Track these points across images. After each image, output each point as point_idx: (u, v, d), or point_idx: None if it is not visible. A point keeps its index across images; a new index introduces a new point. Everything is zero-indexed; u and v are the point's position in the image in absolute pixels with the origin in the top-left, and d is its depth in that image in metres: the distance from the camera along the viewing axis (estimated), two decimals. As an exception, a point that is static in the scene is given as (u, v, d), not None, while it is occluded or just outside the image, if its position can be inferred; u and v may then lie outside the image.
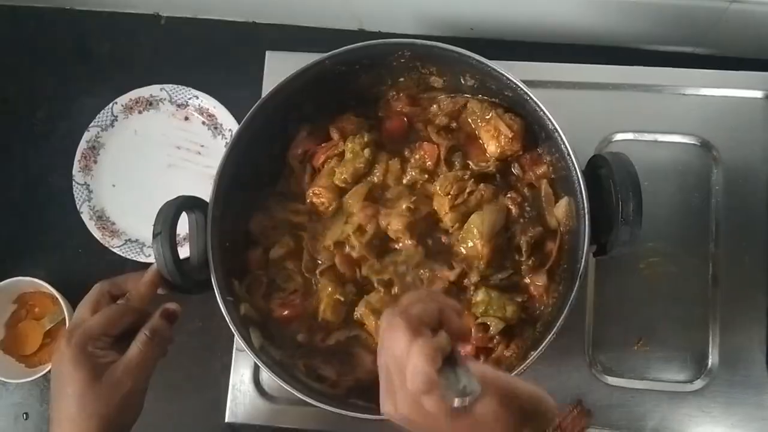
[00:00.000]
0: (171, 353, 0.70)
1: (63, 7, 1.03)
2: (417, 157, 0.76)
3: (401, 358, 0.47)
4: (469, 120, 0.76)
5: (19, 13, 1.03)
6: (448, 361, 0.47)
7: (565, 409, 0.46)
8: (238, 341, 0.67)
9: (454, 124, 0.77)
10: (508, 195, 0.73)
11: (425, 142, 0.76)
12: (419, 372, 0.46)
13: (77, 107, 0.98)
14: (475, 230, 0.70)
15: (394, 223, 0.72)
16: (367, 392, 0.69)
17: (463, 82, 0.74)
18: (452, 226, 0.73)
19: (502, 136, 0.72)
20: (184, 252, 0.69)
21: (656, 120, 0.85)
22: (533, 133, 0.73)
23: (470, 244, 0.70)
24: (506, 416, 0.47)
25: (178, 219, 0.67)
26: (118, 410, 0.61)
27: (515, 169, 0.75)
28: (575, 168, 0.65)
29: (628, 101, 0.86)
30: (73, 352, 0.61)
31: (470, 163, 0.75)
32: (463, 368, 0.47)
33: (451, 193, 0.72)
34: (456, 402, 0.45)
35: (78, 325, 0.63)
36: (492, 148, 0.74)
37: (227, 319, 0.67)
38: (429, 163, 0.76)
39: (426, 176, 0.75)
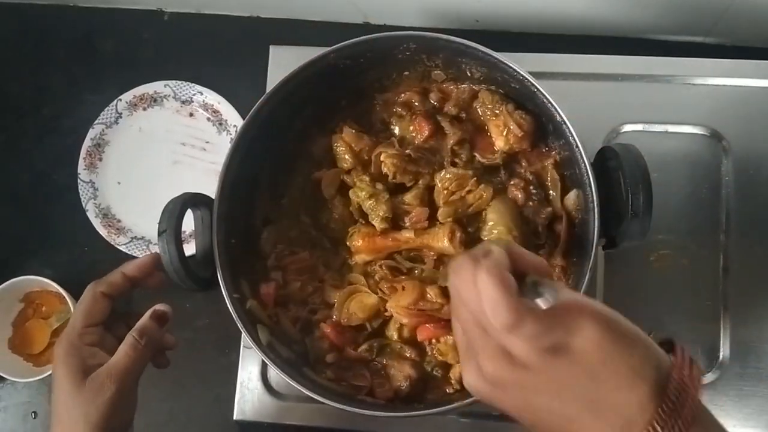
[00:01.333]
0: (178, 350, 0.70)
1: (66, 4, 1.03)
2: (411, 128, 0.75)
3: (472, 301, 0.40)
4: (479, 111, 0.75)
5: (22, 10, 1.03)
6: (531, 288, 0.41)
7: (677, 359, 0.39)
8: (245, 338, 0.67)
9: (463, 115, 0.76)
10: (512, 182, 0.72)
11: (420, 117, 0.75)
12: (491, 299, 0.38)
13: (82, 104, 0.98)
14: (498, 223, 0.70)
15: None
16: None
17: (469, 74, 0.73)
18: (444, 221, 0.72)
19: (512, 134, 0.71)
20: (190, 249, 0.69)
21: (665, 110, 0.84)
22: (543, 129, 0.72)
23: (499, 237, 0.70)
24: (612, 348, 0.38)
25: (183, 216, 0.67)
26: (105, 415, 0.59)
27: (522, 163, 0.74)
28: (584, 160, 0.64)
29: (636, 92, 0.85)
30: (61, 354, 0.61)
31: (476, 155, 0.74)
32: (546, 286, 0.40)
33: (449, 188, 0.71)
34: (541, 302, 0.39)
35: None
36: (500, 143, 0.73)
37: (234, 316, 0.66)
38: (419, 137, 0.75)
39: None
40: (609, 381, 0.38)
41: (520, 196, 0.71)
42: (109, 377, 0.60)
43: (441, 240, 0.70)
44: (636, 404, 0.38)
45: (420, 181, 0.73)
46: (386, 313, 0.72)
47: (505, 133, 0.72)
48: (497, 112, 0.73)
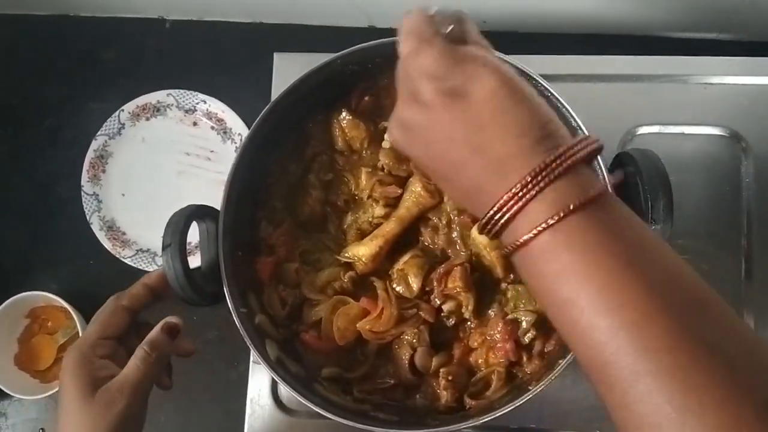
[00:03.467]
0: (187, 364, 0.68)
1: (67, 13, 1.01)
2: None
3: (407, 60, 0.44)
4: None
5: (23, 21, 1.02)
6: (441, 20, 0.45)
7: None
8: (254, 354, 0.65)
9: None
10: None
11: None
12: (408, 30, 0.44)
13: (84, 115, 0.97)
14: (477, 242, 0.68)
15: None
16: (387, 405, 0.67)
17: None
18: (450, 212, 0.70)
19: None
20: (195, 261, 0.67)
21: (682, 111, 0.83)
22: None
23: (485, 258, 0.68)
24: (504, 101, 0.41)
25: (188, 230, 0.65)
26: (114, 430, 0.58)
27: None
28: (600, 167, 0.62)
29: (651, 93, 0.83)
30: (71, 365, 0.59)
31: None
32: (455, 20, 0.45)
33: None
34: (445, 28, 0.44)
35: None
36: None
37: (241, 331, 0.65)
38: None
39: None
40: (496, 130, 0.41)
41: None
42: (120, 391, 0.58)
43: None
44: (515, 155, 0.40)
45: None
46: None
47: None
48: None
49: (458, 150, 0.42)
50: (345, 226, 0.74)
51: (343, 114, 0.73)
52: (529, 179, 0.39)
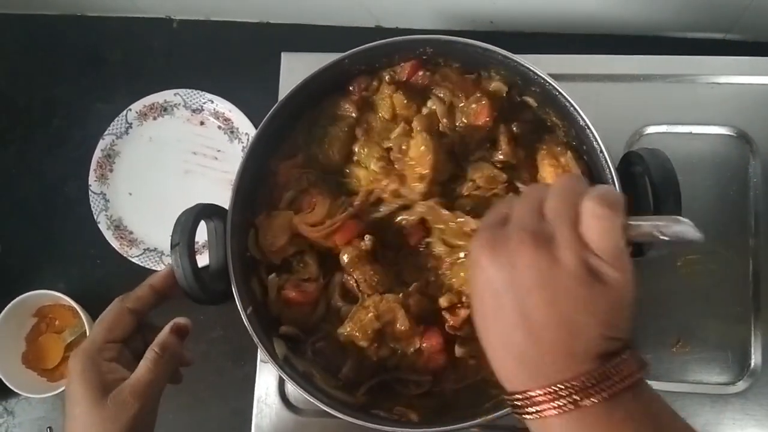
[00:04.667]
0: (193, 363, 0.69)
1: (74, 14, 1.02)
2: (473, 106, 0.69)
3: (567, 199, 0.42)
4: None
5: (30, 21, 1.02)
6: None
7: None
8: (261, 353, 0.65)
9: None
10: None
11: (488, 101, 0.68)
12: (611, 209, 0.41)
13: (91, 115, 0.97)
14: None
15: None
16: (386, 401, 0.67)
17: (488, 77, 0.71)
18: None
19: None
20: (203, 260, 0.67)
21: (690, 111, 0.82)
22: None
23: None
24: (627, 305, 0.42)
25: (196, 229, 0.65)
26: None
27: None
28: (609, 166, 0.62)
29: (659, 92, 0.83)
30: (79, 369, 0.59)
31: (518, 184, 0.68)
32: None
33: (476, 181, 0.68)
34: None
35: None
36: (549, 181, 0.67)
37: (250, 331, 0.65)
38: (471, 119, 0.69)
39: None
40: (599, 323, 0.41)
41: None
42: (133, 394, 0.58)
43: None
44: (594, 356, 0.41)
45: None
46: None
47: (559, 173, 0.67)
48: (559, 156, 0.68)
49: (553, 314, 0.40)
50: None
51: (400, 93, 0.70)
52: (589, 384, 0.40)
